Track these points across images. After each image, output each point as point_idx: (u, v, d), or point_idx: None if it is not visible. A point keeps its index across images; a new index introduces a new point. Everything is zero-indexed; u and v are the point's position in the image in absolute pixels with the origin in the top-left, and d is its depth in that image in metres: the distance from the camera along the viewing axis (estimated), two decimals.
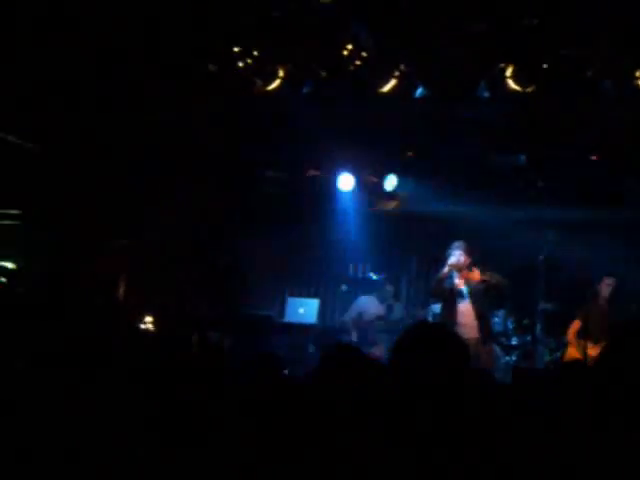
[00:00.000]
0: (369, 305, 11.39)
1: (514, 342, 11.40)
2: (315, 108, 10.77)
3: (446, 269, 9.63)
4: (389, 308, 11.33)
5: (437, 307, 10.87)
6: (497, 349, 11.17)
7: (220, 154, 11.74)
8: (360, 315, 11.34)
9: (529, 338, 11.16)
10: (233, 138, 11.44)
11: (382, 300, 11.39)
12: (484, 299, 9.74)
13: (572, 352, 10.61)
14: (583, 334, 10.48)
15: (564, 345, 10.80)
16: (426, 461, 2.81)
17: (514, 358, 11.24)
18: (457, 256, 9.62)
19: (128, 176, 11.09)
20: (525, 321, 11.39)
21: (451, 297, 9.72)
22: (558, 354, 11.03)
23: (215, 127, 11.08)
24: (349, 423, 3.09)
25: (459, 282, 9.73)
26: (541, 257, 10.79)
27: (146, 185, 11.31)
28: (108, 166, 10.83)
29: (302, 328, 11.76)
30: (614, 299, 10.50)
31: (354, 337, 11.23)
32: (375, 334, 11.05)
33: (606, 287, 10.48)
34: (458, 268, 9.67)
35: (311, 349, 11.43)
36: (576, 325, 10.60)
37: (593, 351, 10.11)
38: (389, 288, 11.47)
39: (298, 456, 2.98)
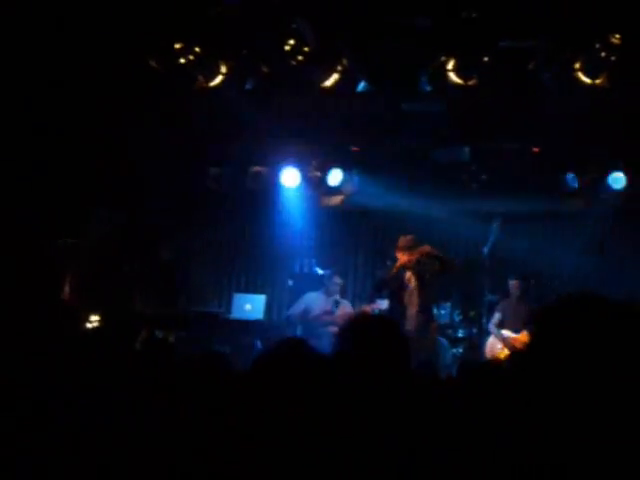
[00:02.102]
0: (316, 301, 11.35)
1: (460, 334, 11.48)
2: (258, 104, 10.75)
3: (394, 270, 9.83)
4: (335, 304, 11.30)
5: (383, 302, 10.92)
6: (444, 341, 11.25)
7: (163, 151, 11.65)
8: (306, 311, 11.30)
9: (475, 330, 11.24)
10: (176, 135, 11.36)
11: (330, 294, 11.34)
12: (431, 290, 9.95)
13: (493, 342, 10.82)
14: (503, 327, 10.81)
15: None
16: (367, 453, 2.81)
17: (460, 350, 11.33)
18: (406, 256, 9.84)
19: (71, 174, 10.98)
20: (471, 313, 11.48)
21: (400, 292, 9.88)
22: (460, 349, 11.23)
23: (157, 124, 11.00)
24: (289, 417, 3.08)
25: (408, 277, 9.91)
26: (485, 249, 10.87)
27: (88, 183, 11.20)
28: (51, 164, 10.71)
29: (249, 324, 11.73)
30: (525, 297, 10.83)
31: (299, 331, 11.22)
32: (321, 328, 11.03)
33: (515, 289, 10.84)
34: (406, 267, 9.85)
35: (258, 345, 11.40)
36: (496, 318, 10.90)
37: (515, 341, 10.46)
38: (337, 280, 11.40)
39: (242, 452, 2.97)
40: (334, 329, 10.99)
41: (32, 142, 10.35)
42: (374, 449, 2.82)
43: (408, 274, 10.06)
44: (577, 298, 2.22)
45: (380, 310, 10.80)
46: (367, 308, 10.94)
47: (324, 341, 10.23)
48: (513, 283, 10.91)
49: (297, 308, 11.44)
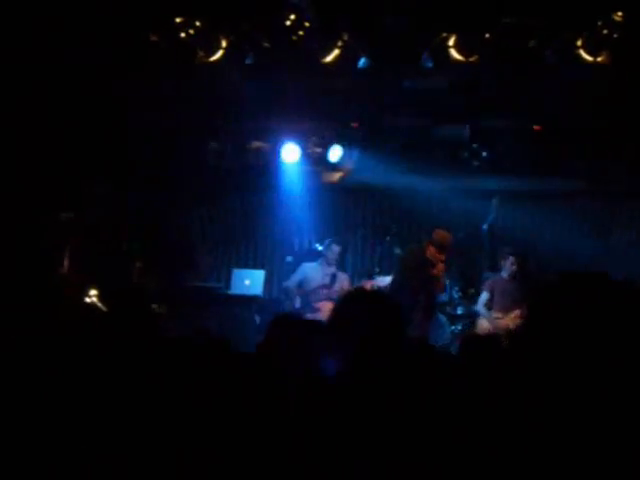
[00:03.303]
0: (313, 272, 11.32)
1: (460, 311, 11.48)
2: (258, 79, 10.72)
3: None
4: (333, 277, 11.28)
5: (384, 279, 10.94)
6: (443, 318, 11.26)
7: (163, 126, 11.63)
8: (303, 282, 11.29)
9: (474, 307, 11.24)
10: (176, 110, 11.34)
11: (329, 263, 11.28)
12: None
13: (482, 323, 10.83)
14: (490, 305, 10.81)
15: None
16: (368, 428, 2.81)
17: (459, 327, 11.33)
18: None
19: (73, 149, 10.96)
20: (470, 290, 11.47)
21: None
22: (459, 327, 11.22)
23: (158, 100, 10.97)
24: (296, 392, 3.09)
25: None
26: (485, 226, 10.87)
27: (88, 159, 11.19)
28: (52, 138, 10.69)
29: (248, 299, 11.75)
30: (518, 275, 10.81)
31: (297, 303, 11.20)
32: (318, 302, 11.03)
33: (510, 265, 10.79)
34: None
35: (257, 320, 11.42)
36: (483, 297, 10.89)
37: (502, 321, 10.46)
38: (335, 249, 11.32)
39: (249, 428, 2.98)
40: (331, 303, 11.02)
41: (32, 117, 10.33)
42: (376, 423, 2.83)
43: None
44: (578, 276, 2.21)
45: (379, 287, 10.82)
46: (367, 285, 10.95)
47: (320, 315, 10.25)
48: (510, 259, 10.86)
49: (294, 279, 11.42)
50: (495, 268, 11.31)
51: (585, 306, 2.13)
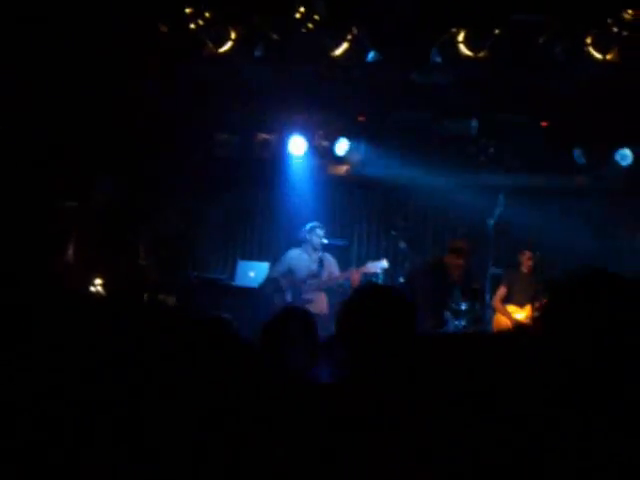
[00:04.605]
0: (299, 260, 11.19)
1: (463, 307, 11.44)
2: (267, 71, 10.72)
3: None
4: (320, 262, 11.17)
5: (376, 265, 10.94)
6: (447, 314, 11.26)
7: (171, 117, 11.63)
8: (290, 271, 11.18)
9: (478, 303, 11.23)
10: (184, 101, 11.34)
11: (314, 248, 11.16)
12: None
13: (500, 319, 10.87)
14: (508, 300, 10.85)
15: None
16: (378, 425, 2.82)
17: (463, 323, 11.31)
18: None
19: (77, 139, 10.97)
20: (475, 285, 11.45)
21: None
22: (462, 322, 11.20)
23: (166, 89, 10.98)
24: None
25: None
26: (491, 222, 10.86)
27: (96, 148, 11.20)
28: (57, 128, 10.70)
29: (252, 291, 11.73)
30: (536, 270, 10.85)
31: (288, 297, 11.12)
32: (308, 294, 10.97)
33: (526, 260, 10.85)
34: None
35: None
36: (502, 292, 10.94)
37: (519, 315, 10.50)
38: (320, 232, 11.15)
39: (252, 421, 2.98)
40: (321, 294, 10.99)
41: (37, 107, 10.33)
42: (385, 423, 2.83)
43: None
44: (591, 274, 2.21)
45: (373, 273, 10.83)
46: (355, 274, 10.90)
47: (313, 307, 10.18)
48: (526, 254, 10.92)
49: (279, 269, 11.29)
50: (501, 264, 11.33)
51: (599, 303, 2.14)
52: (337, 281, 11.06)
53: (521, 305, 10.76)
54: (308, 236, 11.20)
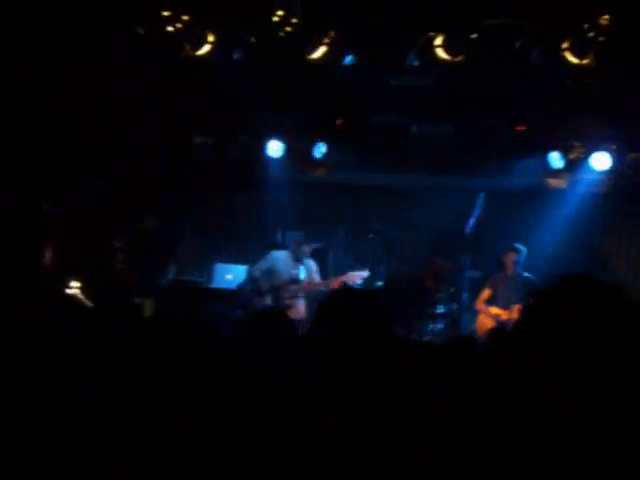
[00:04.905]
0: (281, 264, 11.18)
1: (441, 310, 11.49)
2: (245, 74, 10.73)
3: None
4: (301, 269, 11.17)
5: (359, 274, 10.96)
6: (423, 317, 11.30)
7: (149, 120, 11.61)
8: (270, 271, 11.15)
9: (455, 306, 11.27)
10: (162, 104, 11.33)
11: (297, 260, 11.18)
12: None
13: (483, 321, 10.89)
14: (491, 302, 10.88)
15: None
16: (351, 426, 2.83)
17: (440, 326, 11.35)
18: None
19: (56, 140, 10.93)
20: (451, 289, 11.49)
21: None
22: (439, 325, 11.24)
23: (143, 92, 10.96)
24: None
25: None
26: (468, 225, 10.92)
27: (75, 150, 11.16)
28: (35, 130, 10.66)
29: (229, 294, 11.74)
30: (516, 270, 10.91)
31: (268, 301, 11.10)
32: (288, 300, 10.94)
33: (510, 261, 10.88)
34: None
35: (238, 314, 11.39)
36: (485, 294, 10.97)
37: (503, 318, 10.55)
38: (306, 249, 11.22)
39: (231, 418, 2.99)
40: (301, 300, 10.98)
41: (16, 107, 10.30)
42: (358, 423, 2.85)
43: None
44: (570, 278, 2.23)
45: (353, 283, 10.84)
46: (336, 283, 10.89)
47: (291, 312, 10.17)
48: (509, 254, 10.94)
49: (262, 266, 11.25)
50: (479, 267, 11.39)
51: (577, 306, 2.16)
52: (317, 288, 11.04)
53: (505, 307, 10.75)
54: (294, 248, 11.21)
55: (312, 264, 11.31)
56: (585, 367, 2.09)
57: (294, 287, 11.03)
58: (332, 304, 3.47)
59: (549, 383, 2.13)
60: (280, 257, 11.22)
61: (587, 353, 2.11)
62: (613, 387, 2.09)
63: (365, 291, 5.73)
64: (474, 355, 4.64)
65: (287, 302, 10.85)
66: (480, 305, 11.01)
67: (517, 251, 10.94)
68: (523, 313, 2.33)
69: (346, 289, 4.15)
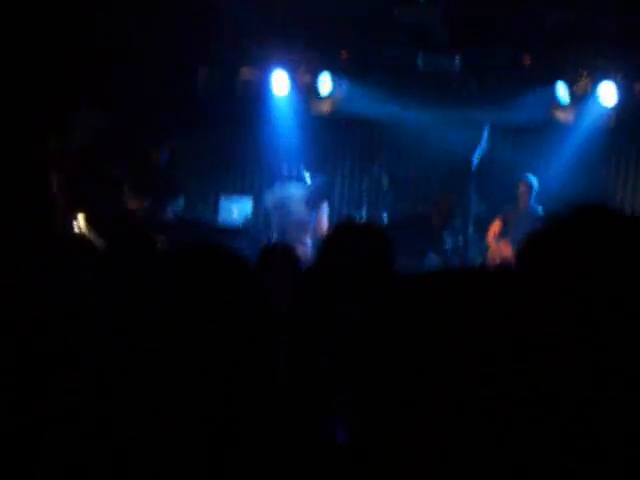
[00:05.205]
0: (295, 201, 11.09)
1: (447, 246, 11.48)
2: (249, 4, 10.62)
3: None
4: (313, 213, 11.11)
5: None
6: (430, 253, 11.28)
7: (153, 53, 11.52)
8: (283, 206, 11.05)
9: (461, 239, 11.25)
10: (162, 34, 11.21)
11: (310, 207, 11.10)
12: None
13: (495, 254, 10.86)
14: (502, 235, 10.81)
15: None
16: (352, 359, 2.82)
17: (447, 261, 11.35)
18: None
19: (59, 74, 10.85)
20: (457, 222, 11.47)
21: None
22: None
23: (146, 22, 10.85)
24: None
25: None
26: (474, 159, 10.87)
27: (78, 83, 11.09)
28: (38, 63, 10.58)
29: (235, 229, 11.71)
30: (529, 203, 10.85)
31: (274, 236, 11.03)
32: (296, 240, 10.85)
33: (523, 192, 10.78)
34: None
35: (245, 249, 11.37)
36: (496, 227, 10.88)
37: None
38: (325, 208, 11.13)
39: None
40: (307, 243, 10.89)
41: (17, 43, 10.21)
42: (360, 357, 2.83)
43: None
44: (580, 207, 2.16)
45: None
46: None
47: (301, 249, 10.09)
48: (521, 186, 10.84)
49: (275, 196, 11.17)
50: (484, 201, 11.36)
51: (588, 235, 2.08)
52: (324, 234, 10.97)
53: (515, 241, 10.64)
54: (312, 197, 11.13)
55: (324, 207, 11.28)
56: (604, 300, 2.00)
57: (301, 230, 10.98)
58: (336, 237, 3.46)
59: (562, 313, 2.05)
60: (294, 196, 11.16)
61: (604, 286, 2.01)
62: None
63: (368, 223, 5.70)
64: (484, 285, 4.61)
65: (295, 243, 10.82)
66: (491, 239, 10.94)
67: (529, 182, 10.84)
68: (530, 243, 2.22)
69: (350, 221, 4.14)
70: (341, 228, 3.54)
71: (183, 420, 2.36)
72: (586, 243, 2.04)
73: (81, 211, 10.14)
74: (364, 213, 11.37)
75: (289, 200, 11.14)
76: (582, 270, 2.00)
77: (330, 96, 12.20)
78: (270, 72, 11.96)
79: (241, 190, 13.23)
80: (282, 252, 5.13)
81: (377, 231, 3.42)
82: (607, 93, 11.33)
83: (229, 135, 13.10)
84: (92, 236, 9.38)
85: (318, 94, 12.08)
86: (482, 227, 11.22)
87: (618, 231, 2.06)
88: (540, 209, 10.80)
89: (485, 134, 10.89)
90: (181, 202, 12.27)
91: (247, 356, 2.87)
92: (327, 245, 3.41)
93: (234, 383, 2.61)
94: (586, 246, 2.03)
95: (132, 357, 2.79)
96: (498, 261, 10.51)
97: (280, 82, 11.95)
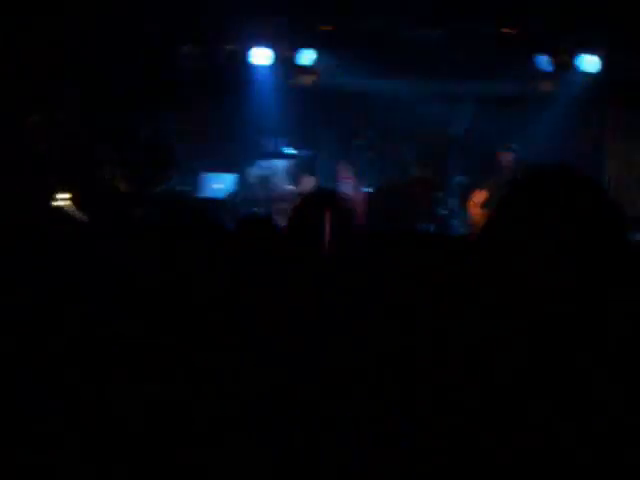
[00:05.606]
0: (280, 175, 11.10)
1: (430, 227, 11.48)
2: None
3: None
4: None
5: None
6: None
7: (135, 28, 11.49)
8: (268, 180, 11.05)
9: (445, 210, 11.27)
10: (147, 11, 11.19)
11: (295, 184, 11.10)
12: None
13: (478, 223, 10.84)
14: (487, 205, 10.79)
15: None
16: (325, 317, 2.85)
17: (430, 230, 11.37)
18: None
19: (41, 50, 10.84)
20: (440, 194, 11.49)
21: None
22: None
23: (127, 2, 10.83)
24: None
25: None
26: (458, 130, 10.89)
27: (63, 60, 11.07)
28: (19, 39, 10.57)
29: (218, 203, 11.71)
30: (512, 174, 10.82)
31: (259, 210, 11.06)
32: (282, 212, 10.88)
33: (506, 161, 10.73)
34: None
35: (228, 224, 11.35)
36: (481, 195, 10.85)
37: None
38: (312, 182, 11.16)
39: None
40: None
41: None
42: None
43: None
44: (543, 168, 2.15)
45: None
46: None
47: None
48: (504, 155, 10.83)
49: (258, 172, 11.15)
50: (467, 172, 11.37)
51: (545, 195, 2.06)
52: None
53: None
54: (296, 174, 11.15)
55: (309, 180, 11.28)
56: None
57: (287, 203, 10.96)
58: (304, 204, 3.50)
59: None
60: (280, 168, 11.16)
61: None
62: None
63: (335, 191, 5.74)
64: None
65: (279, 215, 10.82)
66: (474, 208, 10.91)
67: (513, 151, 10.78)
68: (495, 207, 2.20)
69: (318, 190, 4.19)
70: (309, 195, 3.60)
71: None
72: (542, 205, 2.04)
73: (63, 189, 10.13)
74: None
75: (273, 175, 11.14)
76: (539, 230, 2.00)
77: (313, 69, 12.20)
78: (252, 48, 11.93)
79: (225, 166, 13.21)
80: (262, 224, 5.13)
81: (340, 198, 3.48)
82: (588, 63, 11.35)
83: (212, 112, 13.10)
84: (78, 214, 9.39)
85: (300, 66, 12.07)
86: (464, 198, 11.23)
87: (573, 192, 2.06)
88: None
89: (468, 105, 10.90)
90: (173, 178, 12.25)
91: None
92: (295, 211, 3.47)
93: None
94: (542, 207, 2.03)
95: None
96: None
97: (263, 57, 11.94)
